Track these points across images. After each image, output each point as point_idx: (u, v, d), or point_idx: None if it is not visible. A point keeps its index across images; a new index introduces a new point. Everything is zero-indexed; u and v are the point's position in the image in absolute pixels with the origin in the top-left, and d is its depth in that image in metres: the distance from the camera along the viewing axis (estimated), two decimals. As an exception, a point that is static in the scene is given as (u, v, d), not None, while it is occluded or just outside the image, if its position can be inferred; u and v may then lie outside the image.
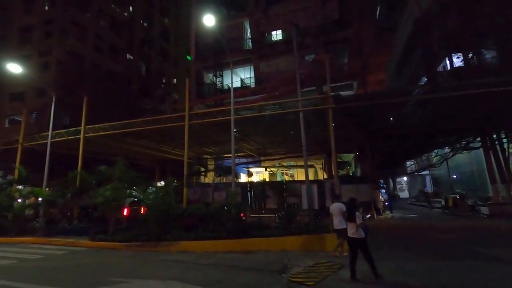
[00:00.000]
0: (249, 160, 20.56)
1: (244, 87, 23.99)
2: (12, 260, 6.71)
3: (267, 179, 19.58)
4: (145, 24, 38.80)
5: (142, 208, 10.46)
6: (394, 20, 22.17)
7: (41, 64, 26.65)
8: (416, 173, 27.40)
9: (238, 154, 17.47)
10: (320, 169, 21.83)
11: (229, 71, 23.36)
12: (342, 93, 13.53)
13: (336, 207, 6.27)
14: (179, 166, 22.08)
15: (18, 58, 24.06)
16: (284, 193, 9.38)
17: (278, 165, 22.10)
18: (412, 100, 10.98)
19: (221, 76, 23.26)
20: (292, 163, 22.64)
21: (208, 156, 20.09)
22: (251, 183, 17.24)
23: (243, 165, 20.23)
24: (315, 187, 12.09)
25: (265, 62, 23.09)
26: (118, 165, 9.40)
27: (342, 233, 5.70)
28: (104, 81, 29.05)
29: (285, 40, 22.04)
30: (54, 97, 13.29)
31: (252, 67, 23.82)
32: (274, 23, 23.45)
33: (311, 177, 15.98)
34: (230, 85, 23.47)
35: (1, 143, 22.90)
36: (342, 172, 21.68)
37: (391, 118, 13.13)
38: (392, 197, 23.52)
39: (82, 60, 28.60)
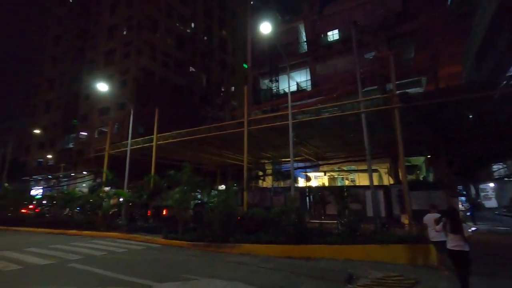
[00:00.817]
0: (307, 164, 20.22)
1: (300, 90, 23.81)
2: (103, 252, 7.81)
3: (327, 184, 18.96)
4: (205, 38, 41.51)
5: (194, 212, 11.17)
6: (470, 4, 19.50)
7: (121, 82, 30.71)
8: (506, 179, 23.35)
9: (296, 159, 17.32)
10: (385, 173, 20.26)
11: (285, 76, 23.54)
12: (410, 90, 12.40)
13: (431, 218, 5.73)
14: (238, 171, 22.95)
15: (103, 78, 28.10)
16: (346, 199, 8.97)
17: (337, 169, 21.24)
18: (498, 94, 9.46)
19: (277, 81, 23.50)
20: (353, 167, 21.50)
21: (266, 161, 20.40)
22: (310, 187, 16.89)
23: (301, 170, 19.97)
24: (381, 193, 11.24)
25: (322, 64, 22.56)
26: (185, 170, 10.22)
27: (441, 246, 5.16)
28: (171, 93, 32.06)
29: (342, 39, 21.25)
30: (132, 110, 15.15)
31: (308, 70, 23.51)
32: (329, 23, 22.83)
33: (375, 182, 14.95)
34: (286, 89, 23.58)
35: (92, 151, 26.97)
36: (411, 177, 19.73)
37: (470, 116, 11.51)
38: (475, 206, 20.44)
39: (153, 76, 32.07)
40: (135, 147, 16.21)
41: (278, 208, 9.08)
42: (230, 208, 8.64)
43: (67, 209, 16.28)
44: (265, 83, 25.74)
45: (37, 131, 34.33)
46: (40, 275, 5.31)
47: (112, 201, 14.81)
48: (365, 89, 14.86)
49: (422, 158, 20.34)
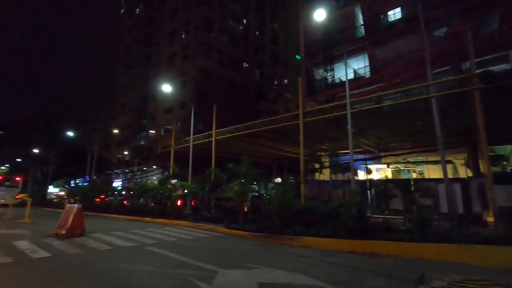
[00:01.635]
0: (368, 156, 19.07)
1: (357, 78, 22.44)
2: (174, 238, 8.63)
3: (390, 177, 17.62)
4: (257, 33, 41.82)
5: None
6: None
7: (182, 83, 33.01)
8: None
9: (356, 150, 16.50)
10: (462, 165, 17.93)
11: (340, 64, 22.41)
12: (494, 68, 10.67)
13: None
14: (294, 164, 22.84)
15: (167, 80, 30.55)
16: (414, 193, 8.22)
17: (402, 160, 19.55)
18: None
19: (332, 70, 22.52)
20: (421, 158, 19.54)
21: (323, 153, 19.86)
22: (371, 181, 15.94)
23: (361, 162, 18.93)
24: (457, 187, 10.01)
25: (382, 47, 20.83)
26: (243, 163, 10.60)
27: None
28: (227, 90, 33.29)
29: (405, 18, 19.25)
30: (192, 108, 16.21)
31: (366, 55, 21.97)
32: (390, 1, 20.86)
33: (449, 175, 13.35)
34: (342, 78, 22.46)
35: (160, 147, 29.71)
36: (495, 169, 17.07)
37: None
38: None
39: (210, 75, 33.70)
40: (196, 142, 17.38)
41: (337, 201, 8.79)
42: (288, 201, 8.69)
43: (142, 199, 18.32)
44: (319, 73, 24.90)
45: (115, 131, 39.24)
46: (126, 255, 6.12)
47: (178, 192, 16.21)
48: (435, 71, 13.27)
49: (509, 147, 17.42)
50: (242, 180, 10.47)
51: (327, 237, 7.59)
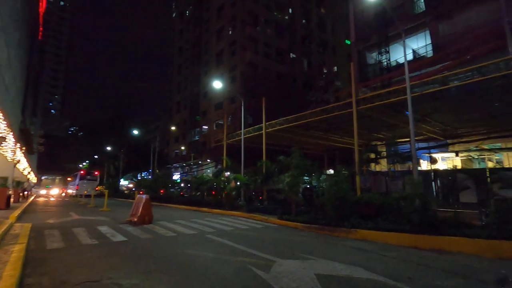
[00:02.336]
0: (432, 144, 17.33)
1: (417, 58, 20.40)
2: (231, 227, 9.05)
3: (459, 167, 15.79)
4: (303, 21, 40.63)
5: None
6: None
7: (231, 78, 33.90)
8: None
9: (417, 138, 15.14)
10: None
11: (396, 45, 20.57)
12: None
13: None
14: (347, 154, 21.94)
15: (216, 76, 31.70)
16: (492, 184, 7.24)
17: (474, 148, 17.31)
18: None
19: (387, 52, 20.84)
20: (499, 145, 17.05)
21: (379, 143, 18.66)
22: (436, 171, 14.48)
23: (424, 151, 17.30)
24: (547, 177, 8.53)
25: (446, 21, 18.53)
26: (294, 155, 10.54)
27: None
28: (274, 82, 33.19)
29: (477, -16, 16.73)
30: (242, 102, 16.58)
31: (426, 32, 19.80)
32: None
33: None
34: (398, 60, 20.64)
35: (212, 142, 31.15)
36: None
37: None
38: None
39: (257, 68, 33.95)
40: (247, 136, 17.79)
41: (398, 193, 8.22)
42: (343, 192, 8.41)
43: (198, 191, 19.52)
44: (372, 57, 23.26)
45: (172, 128, 42.24)
46: (189, 242, 6.64)
47: (232, 185, 16.87)
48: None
49: None
50: (293, 172, 10.44)
51: (387, 231, 7.17)
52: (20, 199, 19.92)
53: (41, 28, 25.06)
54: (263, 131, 16.41)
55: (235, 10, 35.20)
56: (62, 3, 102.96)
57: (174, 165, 43.86)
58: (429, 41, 19.59)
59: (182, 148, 44.14)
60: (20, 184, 19.69)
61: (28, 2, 15.34)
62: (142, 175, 41.44)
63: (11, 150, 14.18)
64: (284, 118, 15.56)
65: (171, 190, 24.24)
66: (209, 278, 4.05)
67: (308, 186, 15.03)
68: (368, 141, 18.98)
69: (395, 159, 12.46)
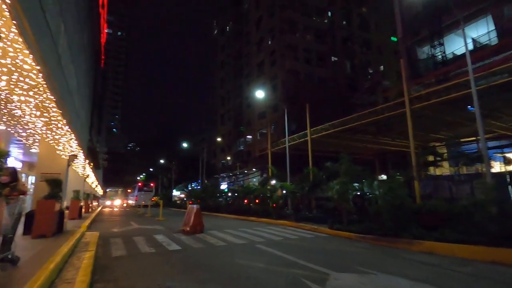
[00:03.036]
0: (504, 143, 15.18)
1: (479, 48, 18.23)
2: (279, 237, 8.89)
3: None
4: (344, 22, 39.50)
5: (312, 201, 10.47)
6: None
7: (272, 87, 34.14)
8: None
9: (486, 136, 13.42)
10: None
11: (451, 36, 18.69)
12: None
13: None
14: (401, 158, 20.32)
15: (258, 87, 32.16)
16: None
17: None
18: None
19: (441, 44, 19.04)
20: None
21: (437, 144, 16.96)
22: (513, 173, 12.57)
23: (496, 150, 15.23)
24: None
25: (513, 2, 16.32)
26: (343, 161, 10.05)
27: None
28: (317, 87, 32.56)
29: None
30: (285, 110, 16.51)
31: (488, 18, 17.65)
32: None
33: None
34: (455, 52, 18.70)
35: (257, 151, 31.47)
36: None
37: None
38: None
39: (298, 75, 33.72)
40: (291, 143, 17.59)
41: (468, 200, 7.26)
42: (400, 199, 7.70)
43: (245, 200, 19.71)
44: (423, 51, 21.47)
45: (218, 139, 43.78)
46: (239, 251, 6.65)
47: (278, 193, 16.70)
48: None
49: None
50: (343, 179, 9.92)
51: (456, 243, 6.34)
52: (90, 209, 22.27)
53: (103, 57, 28.31)
54: (308, 138, 16.06)
55: (273, 21, 35.68)
56: (119, 33, 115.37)
57: (221, 175, 45.23)
58: (491, 27, 17.40)
59: (228, 158, 45.40)
60: (90, 196, 22.06)
61: (93, 36, 17.44)
62: (192, 185, 43.49)
63: (82, 166, 15.99)
64: (330, 123, 15.06)
65: (219, 199, 24.91)
66: (262, 290, 3.96)
67: (359, 193, 14.19)
68: (425, 143, 17.34)
69: (460, 161, 11.13)
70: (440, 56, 19.04)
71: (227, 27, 49.84)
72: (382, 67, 40.16)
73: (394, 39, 35.23)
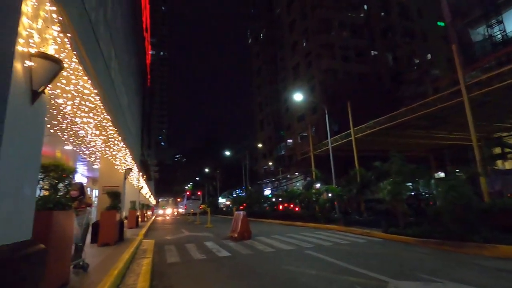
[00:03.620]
0: None
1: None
2: (329, 242, 8.55)
3: None
4: (382, 14, 37.54)
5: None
6: None
7: (310, 89, 33.57)
8: None
9: None
10: None
11: (510, 12, 16.53)
12: None
13: None
14: (460, 152, 18.38)
15: (295, 90, 31.87)
16: None
17: None
18: None
19: (500, 22, 16.98)
20: None
21: (504, 134, 15.03)
22: None
23: None
24: None
25: None
26: (394, 159, 9.38)
27: None
28: (357, 85, 31.20)
29: None
30: (325, 110, 16.05)
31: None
32: None
33: None
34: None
35: (299, 155, 31.02)
36: None
37: None
38: None
39: (336, 73, 32.71)
40: (334, 144, 16.98)
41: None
42: (465, 198, 6.90)
43: (290, 205, 19.45)
44: (477, 32, 19.37)
45: (259, 145, 44.15)
46: (288, 258, 6.53)
47: (323, 196, 16.18)
48: None
49: None
50: (395, 179, 9.23)
51: (541, 247, 5.46)
52: (145, 218, 23.91)
53: (148, 76, 30.62)
54: (352, 137, 15.36)
55: (306, 22, 35.26)
56: (161, 53, 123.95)
57: (264, 180, 45.42)
58: None
59: (270, 163, 45.46)
60: (144, 206, 23.71)
61: (139, 58, 18.99)
62: (237, 192, 44.33)
63: (136, 179, 17.30)
64: (374, 120, 14.22)
65: (264, 205, 24.95)
66: (315, 298, 3.80)
67: (414, 193, 13.11)
68: (489, 134, 15.46)
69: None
70: (499, 36, 16.99)
71: (261, 34, 50.52)
72: (429, 56, 37.08)
73: (441, 24, 32.38)
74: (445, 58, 30.32)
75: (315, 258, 6.37)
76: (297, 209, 17.12)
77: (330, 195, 15.85)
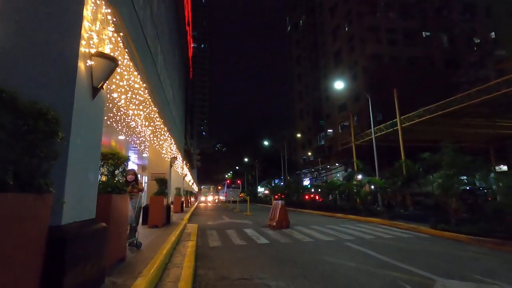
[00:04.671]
0: None
1: None
2: (371, 235, 8.28)
3: None
4: (436, -11, 33.95)
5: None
6: None
7: (352, 76, 32.04)
8: None
9: None
10: None
11: None
12: None
13: None
14: (528, 143, 16.20)
15: (336, 78, 30.64)
16: None
17: None
18: None
19: None
20: None
21: None
22: None
23: None
24: None
25: None
26: (446, 150, 8.64)
27: None
28: (405, 70, 28.94)
29: None
30: (369, 98, 15.24)
31: None
32: None
33: None
34: None
35: (339, 145, 30.05)
36: None
37: None
38: None
39: (381, 59, 30.65)
40: (378, 134, 16.14)
41: None
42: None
43: (330, 196, 19.07)
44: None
45: (298, 135, 43.64)
46: (327, 249, 6.50)
47: (365, 188, 15.57)
48: None
49: None
50: (447, 172, 8.52)
51: None
52: (189, 204, 25.36)
53: (191, 69, 31.81)
54: (399, 126, 14.41)
55: (349, 5, 33.35)
56: (202, 46, 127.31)
57: (303, 171, 44.99)
58: None
59: (309, 154, 44.77)
60: (188, 193, 25.12)
61: (182, 52, 19.79)
62: (275, 181, 44.63)
63: (180, 167, 18.36)
64: (424, 108, 13.14)
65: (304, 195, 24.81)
66: (355, 290, 3.77)
67: (469, 188, 11.98)
68: None
69: None
70: None
71: (300, 21, 49.09)
72: (493, 34, 32.75)
73: (509, -4, 28.21)
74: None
75: (356, 250, 6.24)
76: (317, 197, 17.13)
77: (373, 187, 15.21)
